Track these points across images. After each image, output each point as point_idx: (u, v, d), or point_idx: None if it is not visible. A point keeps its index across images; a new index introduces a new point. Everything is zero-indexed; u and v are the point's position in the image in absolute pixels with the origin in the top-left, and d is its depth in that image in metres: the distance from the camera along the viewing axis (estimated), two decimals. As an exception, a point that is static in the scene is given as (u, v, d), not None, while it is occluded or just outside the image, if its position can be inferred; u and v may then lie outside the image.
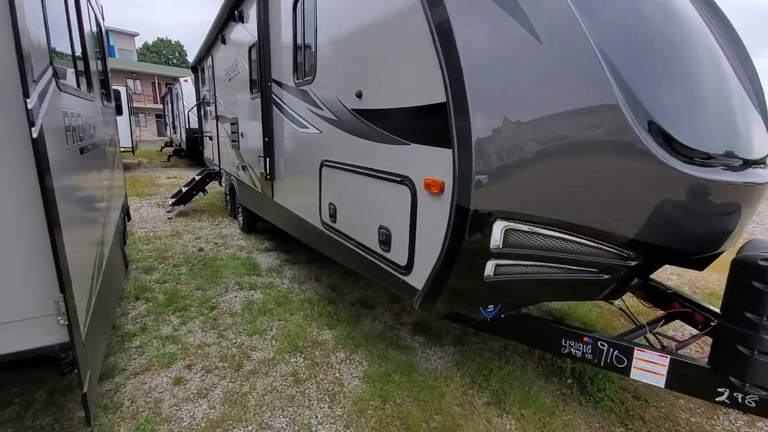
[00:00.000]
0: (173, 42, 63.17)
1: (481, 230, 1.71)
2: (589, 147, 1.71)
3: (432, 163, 1.85)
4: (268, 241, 6.45)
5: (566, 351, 2.39)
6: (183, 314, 3.95)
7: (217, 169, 8.42)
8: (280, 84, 3.97)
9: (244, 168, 5.93)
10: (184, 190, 8.34)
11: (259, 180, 5.00)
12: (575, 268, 2.09)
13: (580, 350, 2.35)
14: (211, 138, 8.91)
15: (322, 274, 5.07)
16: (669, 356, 2.12)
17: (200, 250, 5.97)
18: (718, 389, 2.00)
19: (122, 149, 14.21)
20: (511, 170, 1.63)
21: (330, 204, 2.98)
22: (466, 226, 1.67)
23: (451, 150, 1.69)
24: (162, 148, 21.58)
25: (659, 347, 2.75)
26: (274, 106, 4.14)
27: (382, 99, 2.20)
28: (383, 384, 2.90)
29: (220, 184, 8.82)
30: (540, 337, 2.47)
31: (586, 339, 2.32)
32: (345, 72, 2.64)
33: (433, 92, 1.77)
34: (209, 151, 9.52)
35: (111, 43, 39.40)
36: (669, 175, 1.85)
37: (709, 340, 2.74)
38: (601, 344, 2.28)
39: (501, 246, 1.85)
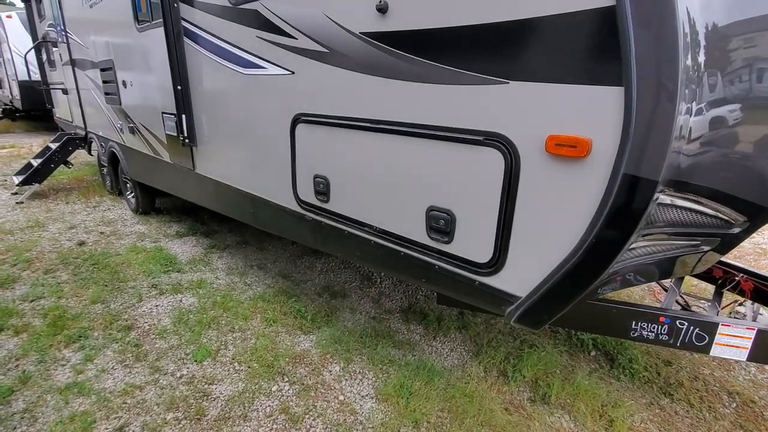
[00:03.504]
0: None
1: (649, 208, 1.13)
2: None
3: (566, 110, 1.19)
4: (176, 222, 5.13)
5: (636, 334, 2.05)
6: (83, 345, 2.77)
7: (83, 132, 6.42)
8: (194, 3, 2.76)
9: (132, 130, 4.45)
10: (35, 163, 6.21)
11: (166, 146, 3.72)
12: (683, 242, 1.68)
13: (653, 332, 2.02)
14: (65, 92, 6.70)
15: (265, 260, 4.13)
16: (756, 328, 1.90)
17: (81, 244, 4.46)
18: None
19: None
20: (724, 118, 1.07)
21: (317, 177, 2.11)
22: (647, 206, 1.08)
23: (621, 88, 1.05)
24: (-18, 108, 16.45)
25: (686, 307, 2.63)
26: (187, 40, 2.92)
27: (442, 12, 1.41)
28: (405, 400, 2.30)
29: (90, 153, 6.82)
30: (606, 322, 2.09)
31: (662, 319, 1.99)
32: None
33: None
34: (64, 109, 7.23)
35: None
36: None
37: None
38: (680, 323, 1.97)
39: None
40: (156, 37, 3.22)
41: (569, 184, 1.23)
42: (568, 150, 1.19)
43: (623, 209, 1.11)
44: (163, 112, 3.50)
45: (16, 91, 11.58)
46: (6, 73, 12.45)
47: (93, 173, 7.31)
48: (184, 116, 3.11)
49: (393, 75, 1.61)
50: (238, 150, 2.82)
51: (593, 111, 1.14)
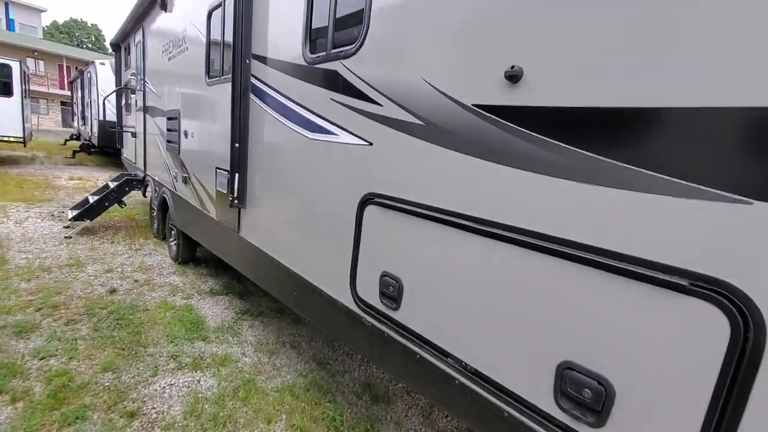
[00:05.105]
0: (89, 24, 55.74)
1: None
2: None
3: None
4: (212, 277, 4.81)
5: None
6: (78, 430, 2.31)
7: (141, 175, 6.51)
8: (266, 61, 2.55)
9: (185, 180, 4.30)
10: (92, 200, 6.28)
11: (214, 202, 3.45)
12: None
13: None
14: (134, 135, 6.95)
15: (300, 337, 3.62)
16: None
17: (112, 291, 4.18)
18: None
19: (8, 139, 11.27)
20: None
21: (386, 276, 1.64)
22: None
23: None
24: (66, 141, 18.10)
25: None
26: (254, 96, 2.69)
27: (626, 86, 0.96)
28: None
29: (144, 195, 6.88)
30: None
31: None
32: (471, 29, 1.34)
33: None
34: (130, 151, 7.49)
35: (11, 17, 33.54)
36: None
37: None
38: None
39: None
40: (223, 91, 3.08)
41: None
42: None
43: None
44: (216, 168, 3.27)
45: (95, 130, 12.56)
46: (90, 113, 13.66)
47: (144, 213, 7.35)
48: (237, 175, 2.83)
49: (523, 164, 1.15)
50: (290, 221, 2.44)
51: None
